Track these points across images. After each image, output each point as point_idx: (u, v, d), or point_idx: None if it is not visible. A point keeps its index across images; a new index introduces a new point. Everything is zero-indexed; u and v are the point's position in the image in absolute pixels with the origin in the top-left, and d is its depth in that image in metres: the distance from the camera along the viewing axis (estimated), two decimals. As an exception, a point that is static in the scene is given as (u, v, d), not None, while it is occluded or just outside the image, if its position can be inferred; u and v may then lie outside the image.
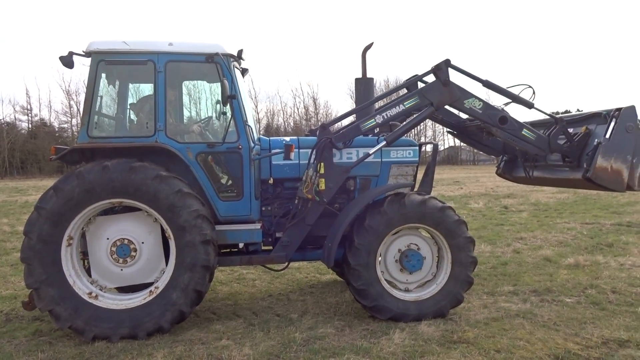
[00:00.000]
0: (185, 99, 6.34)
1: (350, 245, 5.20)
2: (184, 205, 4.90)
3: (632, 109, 5.46)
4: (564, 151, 5.82)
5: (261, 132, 53.65)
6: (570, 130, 5.93)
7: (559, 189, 20.36)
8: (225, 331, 5.10)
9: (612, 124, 5.44)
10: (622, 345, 4.50)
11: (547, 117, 5.98)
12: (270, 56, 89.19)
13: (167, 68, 5.29)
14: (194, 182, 5.25)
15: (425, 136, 62.04)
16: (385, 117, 5.54)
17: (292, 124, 62.46)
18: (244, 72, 6.22)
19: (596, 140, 5.52)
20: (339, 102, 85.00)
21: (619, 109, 5.47)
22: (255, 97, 63.05)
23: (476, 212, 14.10)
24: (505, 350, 4.39)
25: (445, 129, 7.10)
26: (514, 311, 5.44)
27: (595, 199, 16.19)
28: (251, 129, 5.55)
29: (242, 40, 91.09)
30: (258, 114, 59.00)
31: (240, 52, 5.69)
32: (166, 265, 5.09)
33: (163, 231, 5.06)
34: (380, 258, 5.31)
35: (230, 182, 5.60)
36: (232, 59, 5.52)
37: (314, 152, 5.36)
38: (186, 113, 6.46)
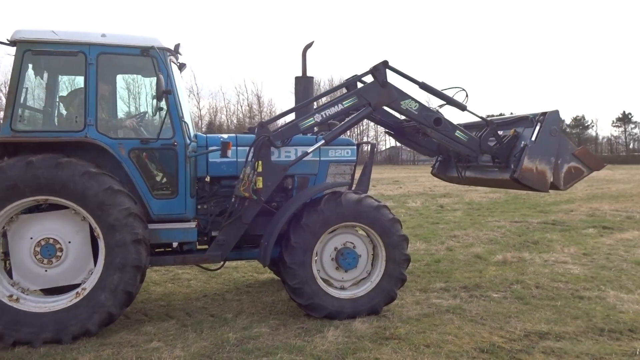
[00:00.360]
0: (119, 93, 6.13)
1: (286, 244, 5.20)
2: (114, 203, 4.73)
3: (556, 113, 5.77)
4: (494, 152, 6.08)
5: (203, 130, 52.89)
6: (500, 132, 6.20)
7: (491, 189, 21.22)
8: (156, 333, 4.97)
9: (538, 127, 5.74)
10: (542, 337, 4.75)
11: (479, 119, 6.21)
12: (213, 52, 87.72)
13: (99, 60, 5.09)
14: (126, 180, 5.08)
15: (367, 136, 63.13)
16: (324, 116, 5.57)
17: (235, 121, 61.81)
18: (181, 67, 6.08)
19: (523, 142, 5.80)
20: (283, 100, 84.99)
21: (544, 114, 5.77)
22: (198, 94, 61.92)
23: (413, 210, 14.47)
24: (435, 345, 4.53)
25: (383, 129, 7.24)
26: (445, 307, 5.62)
27: (524, 199, 16.98)
28: (187, 125, 5.43)
29: (184, 35, 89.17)
30: (200, 110, 57.98)
31: (177, 46, 5.56)
32: (94, 265, 4.90)
33: (92, 230, 4.87)
34: (316, 256, 5.34)
35: (164, 179, 5.46)
36: (168, 53, 5.38)
37: (252, 150, 5.32)
38: (119, 108, 6.24)
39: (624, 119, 74.33)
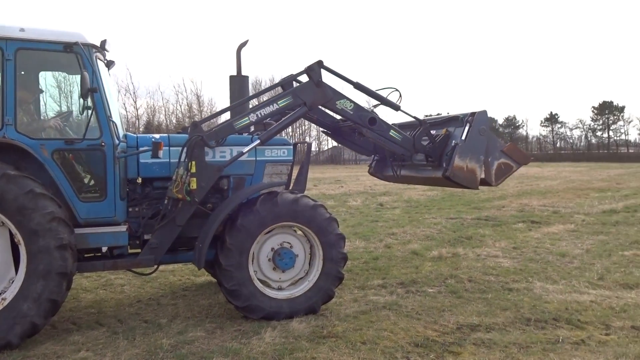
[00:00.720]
0: (42, 91, 5.81)
1: (222, 246, 5.11)
2: (36, 207, 4.48)
3: (484, 113, 5.99)
4: (427, 151, 6.23)
5: (141, 130, 51.25)
6: (433, 132, 6.37)
7: (429, 187, 21.80)
8: (85, 342, 4.75)
9: (467, 127, 5.93)
10: (474, 329, 4.91)
11: (413, 119, 6.35)
12: (150, 50, 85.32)
13: (18, 56, 4.81)
14: (50, 182, 4.83)
15: (309, 135, 63.26)
16: (259, 115, 5.52)
17: (174, 121, 60.31)
18: (109, 64, 5.85)
19: (453, 141, 5.98)
20: (224, 99, 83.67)
21: (473, 114, 5.97)
22: (134, 93, 60.10)
23: (354, 209, 14.63)
24: (371, 342, 4.59)
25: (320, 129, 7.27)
26: (382, 303, 5.71)
27: (460, 196, 17.53)
28: (116, 125, 5.23)
29: (120, 32, 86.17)
30: (137, 110, 56.19)
31: (103, 42, 5.34)
32: (16, 273, 4.62)
33: (12, 236, 4.59)
34: (253, 258, 5.28)
35: (92, 181, 5.23)
36: (94, 50, 5.16)
37: (185, 150, 5.19)
38: (43, 107, 5.92)
39: (551, 119, 78.36)
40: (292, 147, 6.07)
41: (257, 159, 5.84)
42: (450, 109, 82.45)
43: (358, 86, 5.93)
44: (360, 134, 6.08)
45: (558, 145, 79.82)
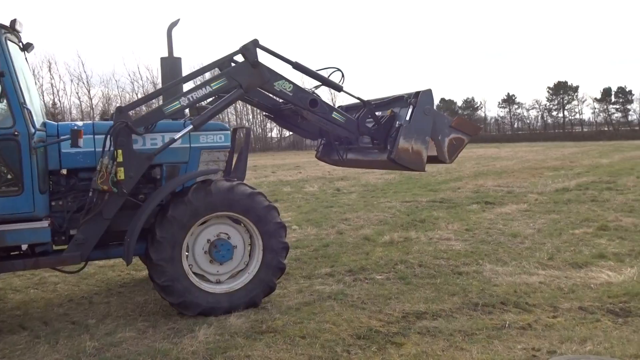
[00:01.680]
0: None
1: (152, 239, 4.77)
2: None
3: (429, 92, 5.76)
4: (372, 134, 5.99)
5: (96, 118, 49.52)
6: (379, 113, 6.13)
7: (388, 171, 21.77)
8: (2, 349, 4.36)
9: (411, 107, 5.71)
10: (419, 317, 4.73)
11: (357, 100, 6.09)
12: (103, 36, 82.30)
13: None
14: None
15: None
16: (191, 99, 5.15)
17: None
18: (27, 47, 5.36)
19: (397, 122, 5.75)
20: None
21: (417, 93, 5.75)
22: (88, 81, 58.02)
23: (310, 195, 14.39)
24: (311, 335, 4.35)
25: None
26: (327, 293, 5.48)
27: (417, 179, 17.51)
28: (31, 112, 4.78)
29: (68, 17, 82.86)
30: (91, 99, 54.28)
31: (13, 22, 4.85)
32: None
33: None
34: (187, 251, 4.96)
35: (6, 174, 4.78)
36: (2, 31, 4.68)
37: (109, 138, 4.79)
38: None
39: (509, 100, 79.69)
40: (229, 132, 5.73)
41: (192, 145, 5.48)
42: (409, 90, 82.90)
43: (297, 66, 5.62)
44: (302, 116, 5.77)
45: (516, 125, 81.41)
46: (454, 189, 14.09)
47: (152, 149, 5.10)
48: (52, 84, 54.19)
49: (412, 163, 5.73)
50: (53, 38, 76.21)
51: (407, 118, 5.68)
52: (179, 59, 5.92)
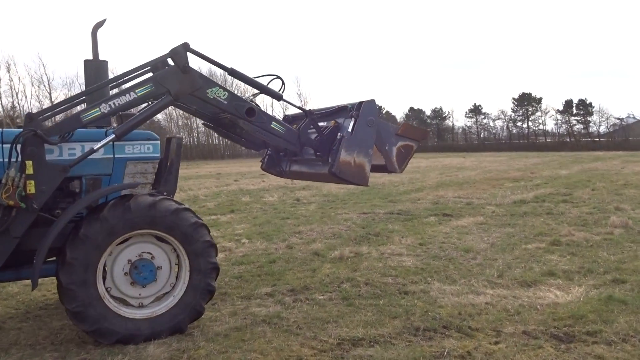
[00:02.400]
0: None
1: (62, 261, 4.32)
2: None
3: (371, 102, 5.47)
4: (315, 145, 5.67)
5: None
6: (323, 124, 5.82)
7: (351, 180, 21.55)
8: None
9: (354, 118, 5.41)
10: (356, 344, 4.41)
11: (298, 110, 5.78)
12: (65, 39, 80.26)
13: None
14: None
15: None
16: (113, 106, 4.72)
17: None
18: None
19: (339, 134, 5.45)
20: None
21: (360, 103, 5.46)
22: (49, 83, 56.33)
23: (268, 205, 14.00)
24: (233, 368, 3.98)
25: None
26: (262, 317, 5.11)
27: (379, 189, 17.33)
28: None
29: (29, 19, 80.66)
30: (52, 102, 52.64)
31: None
32: None
33: None
34: (103, 273, 4.53)
35: None
36: None
37: (15, 148, 4.33)
38: None
39: (475, 110, 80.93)
40: (158, 142, 5.32)
41: (116, 156, 5.05)
42: (378, 103, 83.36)
43: (233, 72, 5.26)
44: (239, 127, 5.42)
45: (482, 135, 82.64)
46: (413, 200, 13.91)
47: (66, 159, 4.65)
48: (11, 86, 52.46)
49: (355, 177, 5.42)
50: (12, 39, 73.93)
51: (349, 129, 5.39)
52: (105, 62, 5.49)
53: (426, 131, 6.37)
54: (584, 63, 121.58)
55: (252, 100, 5.42)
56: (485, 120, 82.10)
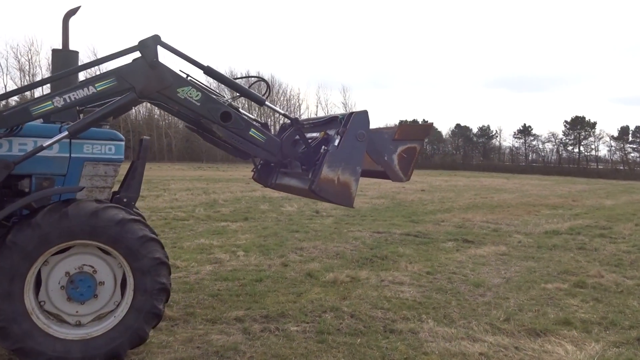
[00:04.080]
0: None
1: (-14, 269, 3.86)
2: None
3: (363, 114, 4.81)
4: (299, 157, 5.07)
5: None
6: (315, 134, 5.22)
7: (379, 193, 20.79)
8: None
9: (342, 130, 4.77)
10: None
11: (284, 117, 5.20)
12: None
13: None
14: None
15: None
16: (68, 100, 4.26)
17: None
18: None
19: (323, 147, 4.82)
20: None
21: (350, 114, 4.82)
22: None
23: (285, 215, 13.46)
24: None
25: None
26: (217, 347, 4.52)
27: (405, 207, 16.53)
28: None
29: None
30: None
31: None
32: None
33: None
34: (37, 285, 4.05)
35: None
36: None
37: None
38: None
39: (525, 131, 78.37)
40: (122, 143, 4.83)
41: (72, 155, 4.58)
42: (424, 117, 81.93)
43: (209, 71, 4.73)
44: (212, 132, 4.88)
45: (530, 157, 79.87)
46: (436, 222, 13.04)
47: (11, 155, 4.22)
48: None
49: (337, 197, 4.76)
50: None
51: (336, 143, 4.75)
52: (76, 52, 5.08)
53: (428, 126, 5.57)
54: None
55: (230, 104, 4.87)
56: (534, 142, 79.46)
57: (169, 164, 52.64)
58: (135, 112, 63.52)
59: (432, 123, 7.91)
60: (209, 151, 59.97)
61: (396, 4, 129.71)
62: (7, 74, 55.53)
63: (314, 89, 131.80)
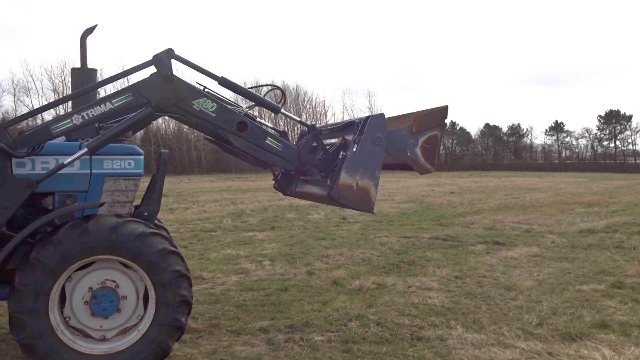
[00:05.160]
0: None
1: (11, 287, 3.92)
2: None
3: (380, 117, 4.73)
4: (317, 164, 5.02)
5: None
6: (333, 141, 5.17)
7: (407, 198, 20.56)
8: None
9: (359, 135, 4.70)
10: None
11: (301, 124, 5.16)
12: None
13: None
14: None
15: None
16: (87, 117, 4.33)
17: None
18: None
19: (341, 153, 4.76)
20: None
21: (367, 118, 4.74)
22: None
23: (312, 224, 13.41)
24: None
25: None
26: (239, 359, 4.49)
27: (434, 209, 16.30)
28: None
29: None
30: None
31: None
32: None
33: None
34: (62, 300, 4.10)
35: None
36: None
37: None
38: None
39: (557, 128, 76.67)
40: (142, 157, 4.87)
41: (93, 171, 4.64)
42: (452, 119, 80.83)
43: (223, 82, 4.74)
44: (229, 142, 4.87)
45: (564, 154, 78.00)
46: (466, 224, 12.79)
47: (34, 174, 4.29)
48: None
49: (357, 202, 4.68)
50: None
51: (353, 148, 4.69)
52: (94, 70, 5.17)
53: (443, 108, 5.25)
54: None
55: (246, 114, 4.86)
56: (567, 139, 77.62)
57: (199, 176, 53.30)
58: (165, 126, 64.89)
59: (447, 105, 7.68)
60: (238, 162, 60.46)
61: (421, 5, 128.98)
62: (42, 96, 56.96)
63: (339, 95, 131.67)
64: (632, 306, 5.97)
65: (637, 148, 72.39)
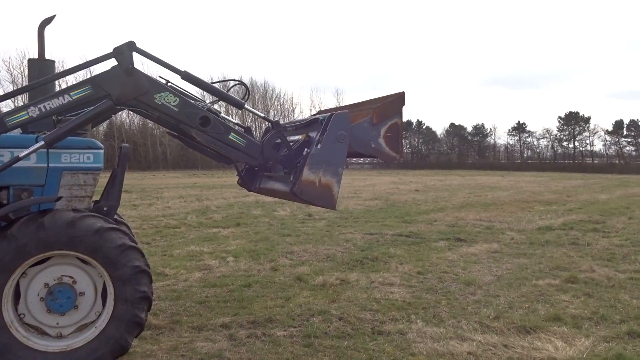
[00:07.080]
0: None
1: (-37, 283, 3.81)
2: None
3: (343, 115, 4.78)
4: (281, 160, 5.03)
5: None
6: (297, 137, 5.19)
7: (372, 195, 20.76)
8: None
9: (323, 132, 4.74)
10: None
11: (265, 120, 5.16)
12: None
13: None
14: None
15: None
16: (43, 109, 4.22)
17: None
18: None
19: (305, 149, 4.78)
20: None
21: (330, 116, 4.78)
22: None
23: (277, 220, 13.40)
24: None
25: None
26: (201, 355, 4.47)
27: (398, 207, 16.50)
28: None
29: None
30: None
31: None
32: None
33: None
34: (16, 297, 4.00)
35: None
36: None
37: None
38: None
39: (519, 128, 78.51)
40: (101, 151, 4.79)
41: (50, 165, 4.54)
42: (419, 118, 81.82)
43: (186, 76, 4.69)
44: (191, 137, 4.83)
45: (526, 154, 79.96)
46: (429, 222, 13.01)
47: (-9, 167, 4.16)
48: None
49: (319, 199, 4.72)
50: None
51: (317, 145, 4.72)
52: (53, 61, 5.04)
53: (400, 95, 5.31)
54: (636, 82, 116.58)
55: (209, 109, 4.83)
56: (529, 139, 79.53)
57: (164, 172, 52.52)
58: (130, 121, 63.67)
59: (404, 91, 7.72)
60: (204, 158, 59.78)
61: (389, 5, 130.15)
62: (0, 87, 55.02)
63: (307, 92, 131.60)
64: (584, 300, 6.20)
65: (594, 149, 74.89)
